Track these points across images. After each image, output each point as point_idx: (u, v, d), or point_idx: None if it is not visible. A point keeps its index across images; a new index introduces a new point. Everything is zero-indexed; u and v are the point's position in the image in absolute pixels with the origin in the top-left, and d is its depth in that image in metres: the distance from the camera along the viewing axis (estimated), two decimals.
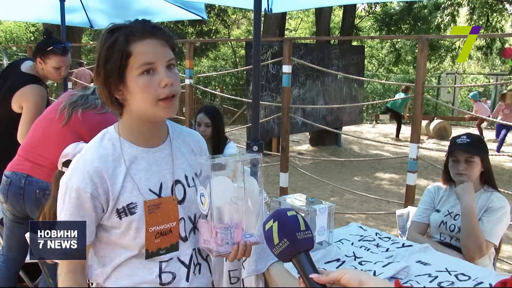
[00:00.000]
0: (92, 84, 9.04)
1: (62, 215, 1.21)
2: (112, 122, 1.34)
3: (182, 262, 1.28)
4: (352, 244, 2.05)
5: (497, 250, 2.32)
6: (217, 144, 3.09)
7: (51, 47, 2.74)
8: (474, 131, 12.10)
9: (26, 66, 2.81)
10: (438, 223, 2.29)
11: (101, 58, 1.17)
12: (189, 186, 1.30)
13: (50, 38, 2.83)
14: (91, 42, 18.03)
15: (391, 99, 11.71)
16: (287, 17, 14.89)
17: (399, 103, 11.13)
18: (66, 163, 1.88)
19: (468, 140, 2.22)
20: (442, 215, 2.29)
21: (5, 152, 2.56)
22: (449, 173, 2.30)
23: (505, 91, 11.39)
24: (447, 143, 2.36)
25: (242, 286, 1.99)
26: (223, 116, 3.43)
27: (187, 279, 1.28)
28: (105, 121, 1.33)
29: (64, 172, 1.87)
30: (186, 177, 1.30)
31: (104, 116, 2.23)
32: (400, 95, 11.16)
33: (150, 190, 1.23)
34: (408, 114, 11.31)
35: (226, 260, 2.06)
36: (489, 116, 12.21)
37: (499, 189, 2.31)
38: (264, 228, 1.04)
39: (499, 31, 17.32)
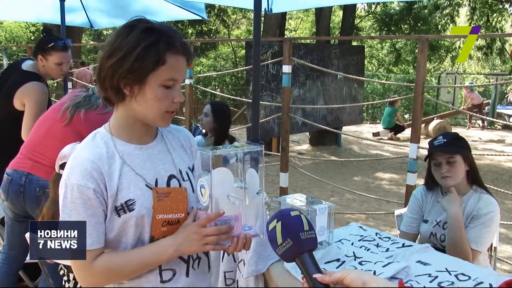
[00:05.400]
0: (90, 84, 9.05)
1: (66, 217, 1.17)
2: None
3: (181, 258, 1.28)
4: (352, 244, 2.05)
5: (491, 249, 2.29)
6: (220, 142, 3.12)
7: (53, 44, 2.77)
8: (475, 131, 12.11)
9: (27, 65, 2.82)
10: (428, 235, 2.21)
11: (133, 53, 1.13)
12: (183, 180, 1.30)
13: (50, 36, 2.85)
14: (91, 42, 18.04)
15: (390, 98, 11.68)
16: (287, 17, 14.89)
17: (387, 120, 11.07)
18: (64, 166, 1.87)
19: (445, 139, 2.11)
20: (431, 226, 2.21)
21: (7, 150, 2.57)
22: (433, 178, 2.19)
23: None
24: None
25: (237, 287, 1.99)
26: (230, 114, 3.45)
27: (187, 274, 1.29)
28: (105, 120, 1.32)
29: (61, 174, 1.86)
30: (180, 171, 1.30)
31: (105, 116, 2.23)
32: (386, 110, 11.21)
33: (147, 186, 1.23)
34: (406, 123, 11.23)
35: (222, 261, 2.06)
36: (481, 104, 12.27)
37: (497, 188, 2.27)
38: (267, 228, 1.04)
39: (499, 31, 17.35)
